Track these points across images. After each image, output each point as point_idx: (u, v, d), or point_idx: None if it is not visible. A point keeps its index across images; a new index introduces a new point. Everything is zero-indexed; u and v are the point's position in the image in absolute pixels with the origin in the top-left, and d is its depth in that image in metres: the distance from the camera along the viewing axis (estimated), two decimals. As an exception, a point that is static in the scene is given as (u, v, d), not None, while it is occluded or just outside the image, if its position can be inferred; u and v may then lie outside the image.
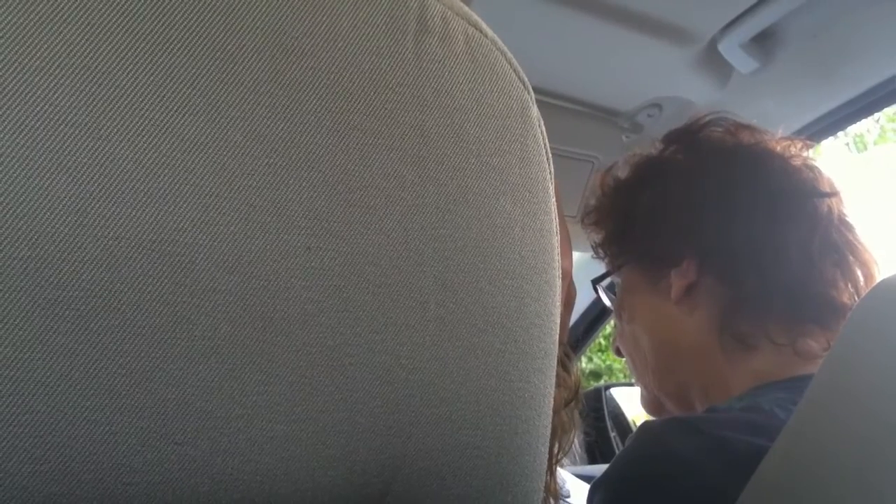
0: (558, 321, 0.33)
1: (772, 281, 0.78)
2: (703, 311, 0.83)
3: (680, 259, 0.84)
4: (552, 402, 0.33)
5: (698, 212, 0.83)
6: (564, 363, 0.63)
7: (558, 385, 0.60)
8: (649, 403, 0.95)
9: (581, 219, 0.97)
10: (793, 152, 0.84)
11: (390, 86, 0.28)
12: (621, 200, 0.92)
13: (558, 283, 0.33)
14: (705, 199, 0.83)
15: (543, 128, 0.33)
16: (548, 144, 0.33)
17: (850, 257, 0.80)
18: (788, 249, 0.78)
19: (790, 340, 0.78)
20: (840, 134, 1.16)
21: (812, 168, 0.83)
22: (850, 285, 0.80)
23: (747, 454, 0.58)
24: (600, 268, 1.05)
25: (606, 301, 1.00)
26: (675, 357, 0.87)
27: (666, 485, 0.67)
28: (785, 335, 0.78)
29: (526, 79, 0.32)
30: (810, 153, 0.85)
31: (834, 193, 0.82)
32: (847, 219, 0.82)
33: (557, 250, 0.33)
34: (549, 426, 0.33)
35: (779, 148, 0.85)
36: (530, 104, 0.32)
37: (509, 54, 0.32)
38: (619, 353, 0.99)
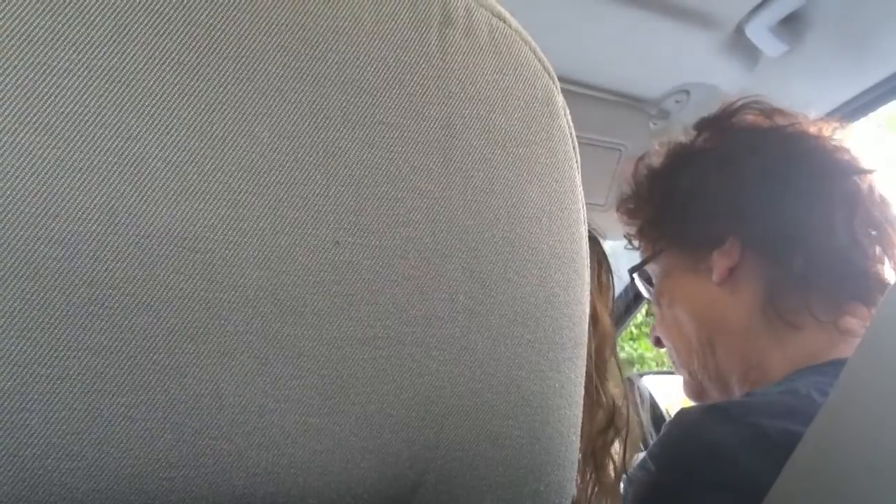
0: (587, 310, 0.33)
1: (818, 257, 0.78)
2: (746, 290, 0.82)
3: (723, 239, 0.83)
4: (583, 391, 0.33)
5: (739, 192, 0.83)
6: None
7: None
8: (693, 390, 0.94)
9: (616, 207, 0.97)
10: (826, 133, 0.84)
11: (415, 79, 0.28)
12: (658, 187, 0.91)
13: (587, 272, 0.33)
14: (746, 179, 0.83)
15: (569, 117, 0.33)
16: (574, 133, 0.33)
17: (891, 233, 0.80)
18: (833, 226, 0.78)
19: (833, 318, 0.77)
20: (871, 115, 1.14)
21: (846, 150, 0.83)
22: (891, 262, 0.79)
23: (781, 441, 0.57)
24: (628, 256, 1.03)
25: (643, 290, 1.00)
26: (718, 339, 0.86)
27: (699, 473, 0.67)
28: (829, 312, 0.78)
29: (551, 68, 0.32)
30: (842, 134, 0.85)
31: (873, 170, 0.81)
32: (884, 195, 0.82)
33: (585, 239, 0.33)
34: (580, 415, 0.33)
35: (812, 129, 0.84)
36: (555, 93, 0.32)
37: (534, 44, 0.32)
38: (658, 343, 0.98)
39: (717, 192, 0.85)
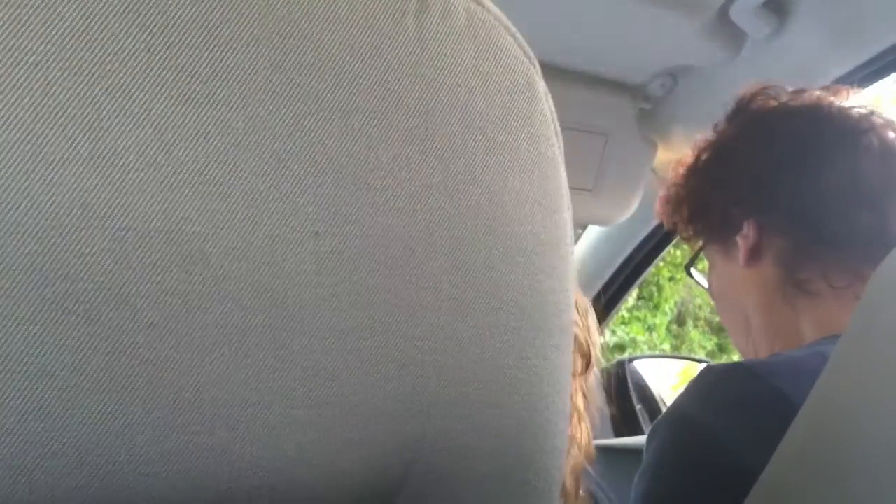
0: (573, 297, 0.33)
1: (826, 224, 0.81)
2: (767, 267, 0.86)
3: (741, 223, 0.88)
4: (570, 380, 0.33)
5: (747, 174, 0.88)
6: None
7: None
8: None
9: (659, 215, 1.01)
10: (837, 98, 0.87)
11: (392, 66, 0.28)
12: (684, 184, 0.96)
13: (571, 258, 0.33)
14: (751, 160, 0.87)
15: (551, 102, 0.32)
16: (556, 119, 0.32)
17: None
18: (833, 191, 0.80)
19: (848, 283, 0.80)
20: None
21: (854, 110, 0.85)
22: None
23: (799, 405, 0.58)
24: (614, 240, 1.04)
25: (703, 283, 1.04)
26: (751, 317, 0.90)
27: (716, 430, 0.70)
28: (844, 278, 0.80)
29: (531, 53, 0.32)
30: (855, 96, 0.87)
31: (887, 123, 0.83)
32: None
33: (570, 225, 0.33)
34: (569, 403, 0.33)
35: (825, 96, 0.87)
36: (536, 79, 0.32)
37: (513, 28, 0.31)
38: None
39: (728, 179, 0.90)
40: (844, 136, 0.83)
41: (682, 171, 0.97)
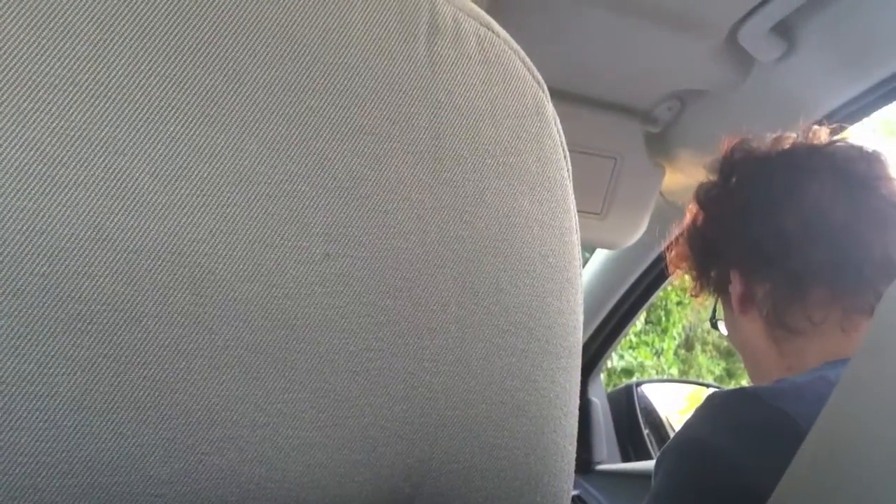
0: (581, 318, 0.33)
1: (788, 265, 0.82)
2: (755, 311, 0.88)
3: (728, 275, 0.90)
4: (578, 401, 0.33)
5: (723, 224, 0.90)
6: None
7: None
8: None
9: (670, 269, 1.03)
10: (821, 139, 0.88)
11: (403, 88, 0.28)
12: (684, 243, 0.98)
13: (580, 280, 0.33)
14: (726, 211, 0.90)
15: (560, 125, 0.32)
16: (564, 142, 0.33)
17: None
18: (788, 233, 0.82)
19: (824, 317, 0.81)
20: (865, 120, 1.14)
21: (838, 143, 0.86)
22: None
23: (807, 427, 0.58)
24: (622, 264, 1.03)
25: (724, 332, 1.05)
26: (757, 362, 0.92)
27: (725, 454, 0.70)
28: (820, 313, 0.81)
29: (540, 77, 0.32)
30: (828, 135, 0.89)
31: (861, 157, 0.84)
32: (890, 178, 0.83)
33: (578, 248, 0.33)
34: (576, 425, 0.33)
35: (802, 138, 0.89)
36: (545, 102, 0.32)
37: (522, 53, 0.31)
38: None
39: (713, 233, 0.92)
40: (797, 178, 0.84)
41: (685, 228, 0.99)
